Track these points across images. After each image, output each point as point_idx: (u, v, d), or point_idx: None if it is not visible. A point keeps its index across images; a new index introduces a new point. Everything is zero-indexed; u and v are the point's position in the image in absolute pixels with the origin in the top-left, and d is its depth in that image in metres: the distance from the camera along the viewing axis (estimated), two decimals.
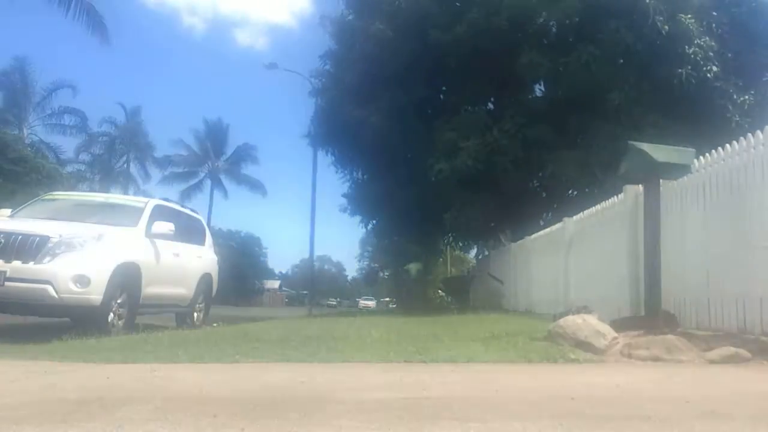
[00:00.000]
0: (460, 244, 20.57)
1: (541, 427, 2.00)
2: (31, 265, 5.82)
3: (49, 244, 5.92)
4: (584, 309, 4.93)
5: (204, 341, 4.78)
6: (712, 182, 5.05)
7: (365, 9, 14.52)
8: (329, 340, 4.78)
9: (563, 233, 9.13)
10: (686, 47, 11.48)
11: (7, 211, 7.49)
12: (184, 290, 8.38)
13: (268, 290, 64.86)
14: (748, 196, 4.53)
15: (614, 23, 11.64)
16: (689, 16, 11.57)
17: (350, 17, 15.16)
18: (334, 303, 64.05)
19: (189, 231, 8.76)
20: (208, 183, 45.09)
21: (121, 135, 40.21)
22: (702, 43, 11.53)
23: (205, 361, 3.67)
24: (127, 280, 6.61)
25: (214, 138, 45.01)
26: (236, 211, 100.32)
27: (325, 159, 17.31)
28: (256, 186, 45.53)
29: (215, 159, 45.03)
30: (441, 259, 29.99)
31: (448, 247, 23.41)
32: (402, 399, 2.45)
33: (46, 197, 8.34)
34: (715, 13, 12.13)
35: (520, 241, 12.38)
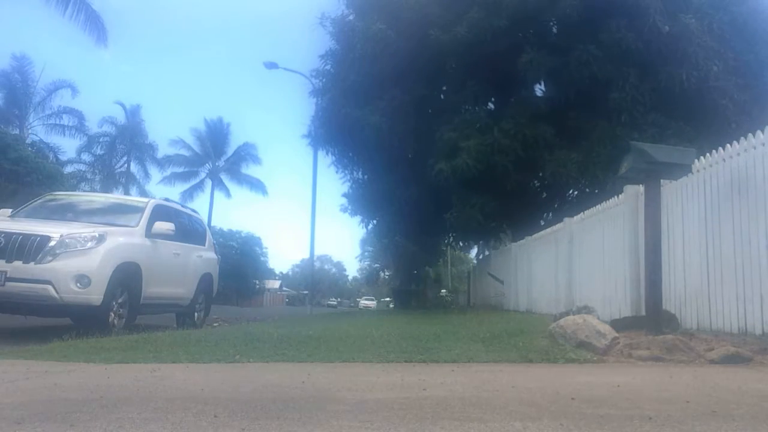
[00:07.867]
0: (461, 244, 20.55)
1: (541, 427, 2.00)
2: (31, 265, 5.83)
3: (50, 244, 5.93)
4: (585, 309, 4.95)
5: (204, 341, 4.78)
6: (712, 182, 5.05)
7: (366, 9, 14.51)
8: (330, 340, 4.78)
9: (564, 233, 9.13)
10: (687, 47, 11.47)
11: (8, 211, 7.50)
12: (185, 290, 8.38)
13: (269, 290, 64.83)
14: (749, 196, 4.53)
15: (615, 23, 11.64)
16: (689, 15, 11.56)
17: (350, 17, 15.13)
18: (335, 303, 64.04)
19: (189, 231, 8.77)
20: (208, 183, 45.13)
21: (121, 135, 40.20)
22: (702, 43, 11.52)
23: (205, 361, 3.68)
24: (127, 279, 6.62)
25: (214, 138, 44.95)
26: (237, 211, 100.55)
27: (325, 159, 17.28)
28: (256, 186, 45.56)
29: (216, 159, 45.02)
30: (441, 259, 30.03)
31: (449, 247, 23.41)
32: (402, 399, 2.45)
33: (47, 197, 8.34)
34: (715, 13, 12.12)
35: (520, 241, 12.38)
